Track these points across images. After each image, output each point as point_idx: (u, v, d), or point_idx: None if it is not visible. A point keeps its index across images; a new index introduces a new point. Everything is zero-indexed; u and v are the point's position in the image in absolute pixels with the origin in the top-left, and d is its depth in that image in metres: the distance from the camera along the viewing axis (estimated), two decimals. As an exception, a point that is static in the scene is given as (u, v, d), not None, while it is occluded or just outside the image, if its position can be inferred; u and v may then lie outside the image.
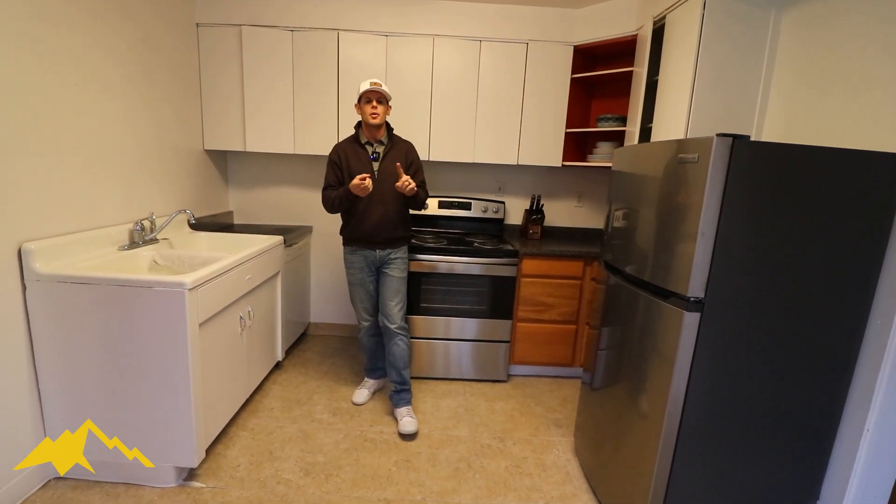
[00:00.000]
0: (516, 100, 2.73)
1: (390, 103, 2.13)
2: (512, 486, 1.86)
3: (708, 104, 1.89)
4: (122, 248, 1.97)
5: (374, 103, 2.04)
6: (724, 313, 1.31)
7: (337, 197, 2.08)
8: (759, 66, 1.87)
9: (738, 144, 1.21)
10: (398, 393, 2.26)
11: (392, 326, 2.20)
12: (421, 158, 2.26)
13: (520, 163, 2.81)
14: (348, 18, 2.62)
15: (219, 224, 2.93)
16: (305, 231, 3.06)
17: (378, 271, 2.24)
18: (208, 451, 1.89)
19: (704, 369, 1.34)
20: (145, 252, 2.05)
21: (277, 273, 2.51)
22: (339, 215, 2.23)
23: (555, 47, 2.67)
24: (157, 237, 2.19)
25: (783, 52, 1.83)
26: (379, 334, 2.36)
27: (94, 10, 1.83)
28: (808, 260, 1.29)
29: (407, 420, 2.14)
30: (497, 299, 2.60)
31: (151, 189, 2.27)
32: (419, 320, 2.61)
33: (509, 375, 2.80)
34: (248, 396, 2.23)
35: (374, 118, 2.04)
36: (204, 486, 1.75)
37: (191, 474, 1.79)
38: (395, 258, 2.21)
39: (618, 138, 2.75)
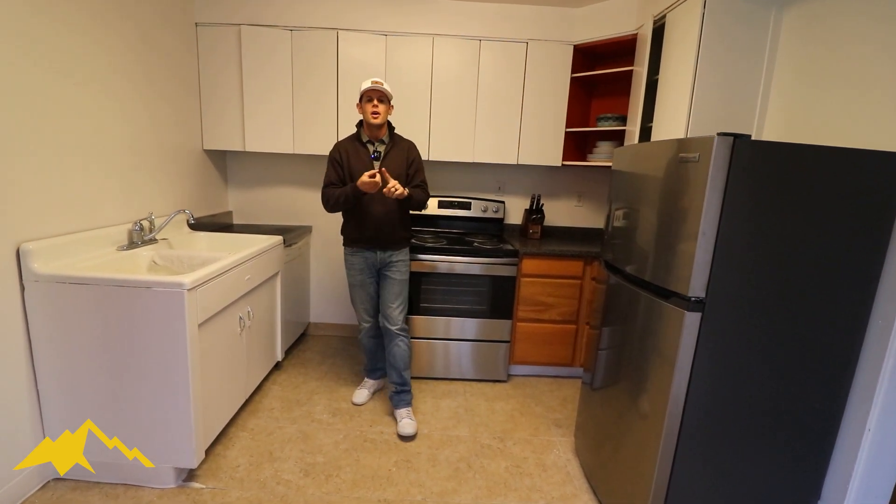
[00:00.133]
0: (516, 99, 2.73)
1: (392, 102, 2.11)
2: (512, 486, 1.85)
3: (708, 103, 1.89)
4: (121, 249, 1.97)
5: (376, 102, 2.03)
6: (725, 313, 1.31)
7: (342, 194, 2.05)
8: (760, 66, 1.87)
9: (739, 143, 1.21)
10: (398, 394, 2.26)
11: (393, 328, 2.19)
12: (421, 158, 2.25)
13: (520, 162, 2.81)
14: (348, 18, 2.62)
15: (218, 224, 2.92)
16: (305, 231, 3.06)
17: (379, 273, 2.23)
18: (208, 451, 1.88)
19: (705, 369, 1.34)
20: (144, 252, 2.04)
21: (277, 273, 2.50)
22: (338, 215, 2.22)
23: (555, 47, 2.67)
24: (157, 237, 2.19)
25: (783, 52, 1.82)
26: (379, 335, 2.35)
27: (92, 9, 1.82)
28: (810, 259, 1.29)
29: (406, 422, 2.14)
30: (497, 299, 2.60)
31: (150, 189, 2.26)
32: (419, 320, 2.61)
33: (509, 375, 2.80)
34: (247, 397, 2.22)
35: (375, 118, 2.03)
36: (203, 486, 1.74)
37: (190, 475, 1.79)
38: (397, 261, 2.20)
39: (618, 138, 2.75)
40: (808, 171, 1.24)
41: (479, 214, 3.03)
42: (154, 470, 1.71)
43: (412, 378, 2.55)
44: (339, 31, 2.62)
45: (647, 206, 1.52)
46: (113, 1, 1.93)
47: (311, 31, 2.62)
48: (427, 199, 2.21)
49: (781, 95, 1.83)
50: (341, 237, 2.25)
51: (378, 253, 2.17)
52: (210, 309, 1.73)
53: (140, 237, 2.08)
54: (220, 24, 2.61)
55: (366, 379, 2.50)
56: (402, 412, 2.21)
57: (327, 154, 2.71)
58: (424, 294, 2.58)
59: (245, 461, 1.90)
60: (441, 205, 3.02)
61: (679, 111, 1.97)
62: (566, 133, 2.78)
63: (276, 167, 3.09)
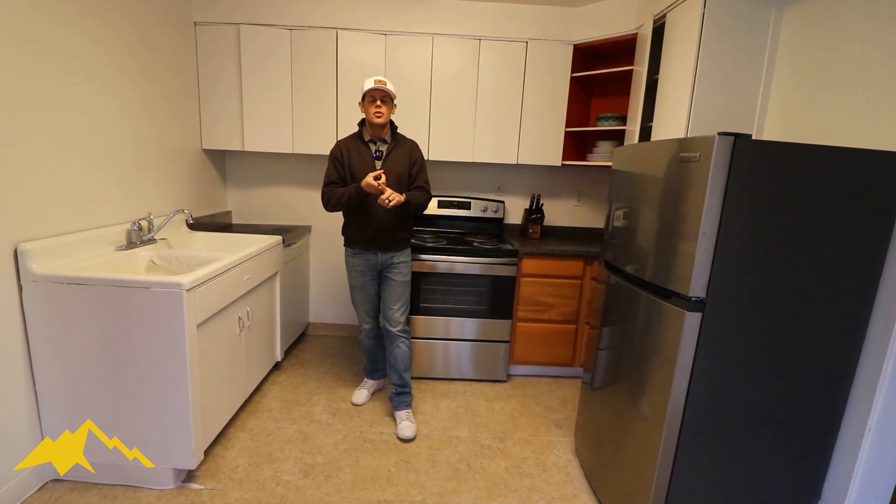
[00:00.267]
0: (516, 99, 2.72)
1: (395, 101, 2.09)
2: (512, 486, 1.85)
3: (708, 103, 1.88)
4: (120, 249, 1.96)
5: (378, 102, 2.00)
6: (725, 313, 1.30)
7: (345, 194, 2.02)
8: (760, 66, 1.87)
9: (740, 143, 1.20)
10: (398, 395, 2.25)
11: (394, 329, 2.18)
12: (424, 158, 2.21)
13: (519, 162, 2.80)
14: (347, 17, 2.61)
15: (217, 224, 2.91)
16: (304, 231, 3.05)
17: (380, 275, 2.21)
18: (207, 452, 1.88)
19: (706, 369, 1.33)
20: (143, 252, 2.04)
21: (276, 273, 2.50)
22: (338, 215, 2.20)
23: (554, 46, 2.67)
24: (155, 237, 2.18)
25: (783, 52, 1.82)
26: (380, 336, 2.34)
27: (91, 8, 1.82)
28: (810, 259, 1.28)
29: (406, 424, 2.13)
30: (497, 299, 2.60)
31: (149, 189, 2.25)
32: (419, 320, 2.60)
33: (509, 375, 2.79)
34: (246, 397, 2.22)
35: (377, 117, 2.01)
36: (202, 487, 1.74)
37: (189, 476, 1.78)
38: (398, 262, 2.17)
39: (618, 137, 2.75)
40: (809, 170, 1.24)
41: (479, 214, 3.03)
42: (153, 471, 1.70)
43: (412, 378, 2.55)
44: (339, 31, 2.62)
45: (648, 206, 1.52)
46: (112, 0, 1.92)
47: (311, 30, 2.61)
48: (428, 201, 2.17)
49: (781, 95, 1.82)
50: (341, 238, 2.23)
51: (379, 254, 2.15)
52: (209, 309, 1.73)
53: (139, 237, 2.07)
54: (219, 23, 2.60)
55: (365, 379, 2.49)
56: (401, 414, 2.20)
57: (327, 153, 2.71)
58: (424, 294, 2.58)
59: (244, 462, 1.89)
60: (441, 204, 3.01)
61: (679, 111, 1.97)
62: (566, 133, 2.78)
63: (276, 167, 3.08)
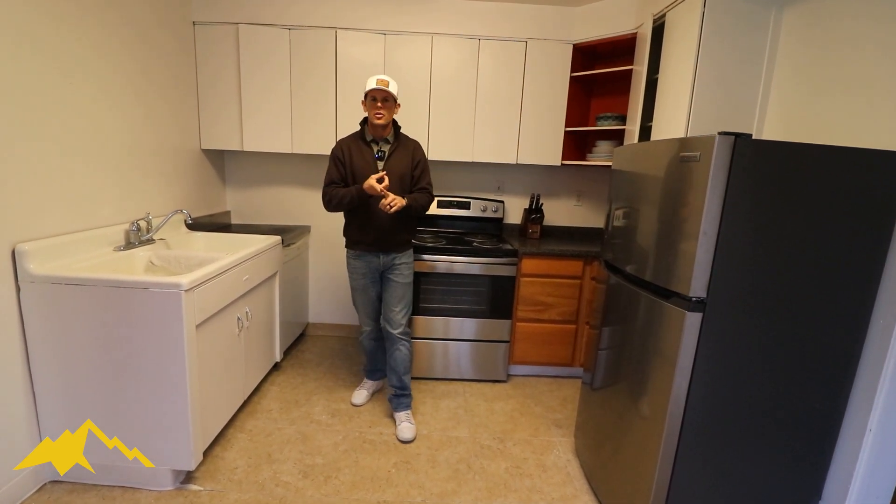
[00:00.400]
0: (515, 98, 2.72)
1: (398, 101, 2.04)
2: (512, 487, 1.84)
3: (708, 103, 1.88)
4: (118, 249, 1.95)
5: (379, 103, 1.97)
6: (726, 313, 1.30)
7: (347, 195, 1.98)
8: (760, 65, 1.86)
9: (741, 143, 1.20)
10: (397, 397, 2.24)
11: (394, 332, 2.15)
12: (427, 159, 2.18)
13: (519, 162, 2.80)
14: (346, 17, 2.61)
15: (216, 224, 2.91)
16: (303, 231, 3.04)
17: (382, 276, 2.18)
18: (206, 453, 1.87)
19: (706, 369, 1.33)
20: (141, 253, 2.03)
21: (275, 273, 2.49)
22: (338, 215, 2.18)
23: (554, 46, 2.66)
24: (154, 237, 2.18)
25: (783, 52, 1.82)
26: (380, 338, 2.33)
27: (89, 8, 1.81)
28: (811, 259, 1.28)
29: (405, 426, 2.13)
30: (496, 299, 2.59)
31: (148, 189, 2.25)
32: (418, 320, 2.60)
33: (509, 375, 2.79)
34: (245, 398, 2.21)
35: (378, 118, 1.97)
36: (201, 489, 1.73)
37: (188, 477, 1.78)
38: (400, 263, 2.15)
39: (617, 137, 2.74)
40: (809, 170, 1.24)
41: (479, 214, 3.03)
42: (152, 472, 1.70)
43: (412, 379, 2.54)
44: (338, 30, 2.61)
45: (648, 206, 1.51)
46: (111, 0, 1.92)
47: (310, 30, 2.61)
48: (430, 203, 2.13)
49: (781, 95, 1.82)
50: (342, 238, 2.21)
51: (381, 256, 2.12)
52: (208, 310, 1.72)
53: (137, 237, 2.06)
54: (218, 22, 2.59)
55: (365, 380, 2.49)
56: (401, 415, 2.19)
57: (326, 153, 2.71)
58: (424, 294, 2.57)
59: (243, 463, 1.89)
60: (440, 204, 3.01)
61: (679, 110, 1.96)
62: (565, 132, 2.77)
63: (275, 167, 3.08)
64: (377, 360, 2.42)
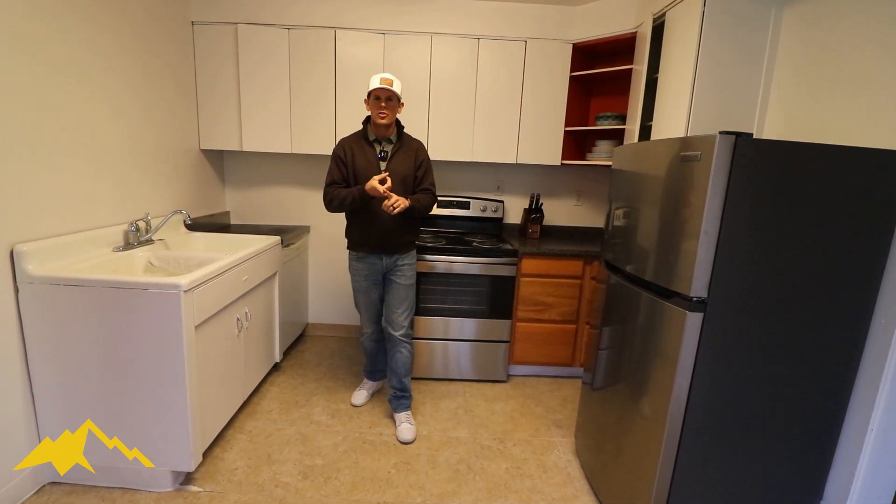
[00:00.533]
0: (515, 98, 2.71)
1: (402, 101, 2.02)
2: (512, 487, 1.84)
3: (708, 102, 1.88)
4: (117, 250, 1.95)
5: (383, 103, 1.94)
6: (727, 313, 1.30)
7: (349, 196, 1.96)
8: (760, 65, 1.86)
9: (742, 142, 1.20)
10: (398, 398, 2.23)
11: (396, 333, 2.13)
12: (430, 159, 2.15)
13: (518, 161, 2.80)
14: (346, 17, 2.60)
15: (215, 224, 2.90)
16: (303, 231, 3.04)
17: (384, 278, 2.16)
18: (205, 454, 1.87)
19: (707, 370, 1.33)
20: (140, 253, 2.02)
21: (275, 274, 2.48)
22: (341, 216, 2.16)
23: (553, 45, 2.66)
24: (153, 238, 2.17)
25: (783, 51, 1.82)
26: (381, 339, 2.31)
27: (86, 8, 1.80)
28: (812, 258, 1.28)
29: (405, 427, 2.12)
30: (496, 299, 2.59)
31: (147, 189, 2.24)
32: (418, 321, 2.59)
33: (509, 375, 2.79)
34: (245, 399, 2.21)
35: (382, 118, 1.95)
36: (201, 490, 1.73)
37: (187, 478, 1.77)
38: (403, 264, 2.12)
39: (617, 137, 2.74)
40: (811, 169, 1.23)
41: (478, 214, 3.02)
42: (151, 473, 1.69)
43: (412, 379, 2.53)
44: (337, 30, 2.61)
45: (648, 206, 1.51)
46: (108, 1, 1.91)
47: (309, 29, 2.60)
48: (433, 204, 2.11)
49: (781, 95, 1.82)
50: (342, 238, 2.21)
51: (384, 258, 2.10)
52: (207, 310, 1.72)
53: (136, 238, 2.06)
54: (217, 22, 2.59)
55: (365, 380, 2.48)
56: (401, 416, 2.19)
57: (325, 153, 2.71)
58: (423, 294, 2.57)
59: (243, 464, 1.88)
60: (440, 204, 3.00)
61: (679, 110, 1.96)
62: (565, 132, 2.77)
63: (274, 167, 3.07)
64: (378, 360, 2.41)
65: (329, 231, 3.14)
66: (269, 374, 2.61)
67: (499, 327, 2.62)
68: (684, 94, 1.92)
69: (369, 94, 1.96)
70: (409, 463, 1.95)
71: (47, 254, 1.62)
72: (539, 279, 2.61)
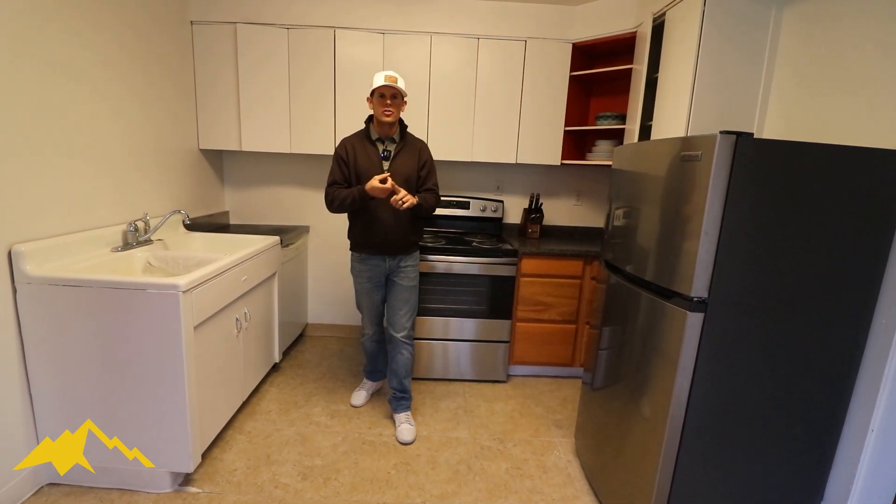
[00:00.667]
0: (515, 98, 2.71)
1: (405, 99, 1.99)
2: (512, 488, 1.84)
3: (708, 102, 1.87)
4: (116, 250, 1.94)
5: (389, 100, 1.91)
6: (727, 313, 1.29)
7: (349, 196, 1.94)
8: (760, 64, 1.86)
9: (742, 142, 1.19)
10: (397, 399, 2.22)
11: (398, 335, 2.12)
12: (433, 159, 2.13)
13: (518, 161, 2.79)
14: (345, 16, 2.60)
15: (214, 224, 2.90)
16: (302, 231, 3.03)
17: (387, 279, 2.14)
18: (204, 455, 1.86)
19: (708, 370, 1.32)
20: (139, 253, 2.02)
21: (274, 274, 2.48)
22: (345, 217, 2.13)
23: (553, 45, 2.66)
24: (152, 238, 2.16)
25: (783, 51, 1.81)
26: (382, 340, 2.30)
27: (85, 7, 1.80)
28: (813, 258, 1.27)
29: (405, 427, 2.11)
30: (496, 299, 2.58)
31: (145, 189, 2.23)
32: (418, 321, 2.58)
33: (509, 376, 2.78)
34: (244, 399, 2.20)
35: (387, 115, 1.92)
36: (200, 491, 1.72)
37: (186, 479, 1.77)
38: (406, 266, 2.10)
39: (617, 136, 2.74)
40: (811, 169, 1.23)
41: (478, 214, 3.02)
42: (150, 474, 1.69)
43: (412, 379, 2.53)
44: (337, 30, 2.60)
45: (649, 205, 1.51)
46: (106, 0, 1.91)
47: (309, 29, 2.60)
48: (437, 204, 2.09)
49: (781, 95, 1.81)
50: (341, 239, 2.20)
51: (387, 260, 2.08)
52: (206, 311, 1.71)
53: (135, 238, 2.05)
54: (216, 22, 2.58)
55: (365, 380, 2.47)
56: (400, 416, 2.18)
57: (325, 153, 2.71)
58: (423, 294, 2.56)
59: (242, 465, 1.88)
60: (439, 204, 2.99)
61: (679, 110, 1.95)
62: (565, 132, 2.76)
63: (273, 167, 3.07)
64: (378, 361, 2.40)
65: (328, 231, 3.13)
66: (269, 374, 2.61)
67: (498, 327, 2.62)
68: (684, 93, 1.91)
69: (373, 91, 1.94)
70: (409, 463, 1.95)
71: (45, 254, 1.61)
72: (539, 279, 2.61)
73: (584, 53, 2.78)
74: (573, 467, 1.98)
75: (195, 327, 1.63)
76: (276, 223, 3.12)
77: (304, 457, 1.95)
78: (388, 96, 1.91)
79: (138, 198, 2.18)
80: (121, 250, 1.95)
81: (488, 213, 3.02)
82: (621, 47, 2.60)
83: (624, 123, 2.57)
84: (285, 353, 2.90)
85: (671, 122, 2.03)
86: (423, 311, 2.58)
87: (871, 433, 1.35)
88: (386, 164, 2.01)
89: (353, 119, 2.64)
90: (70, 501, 1.63)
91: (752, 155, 1.21)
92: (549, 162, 2.80)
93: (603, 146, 2.74)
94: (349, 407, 2.35)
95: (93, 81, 1.86)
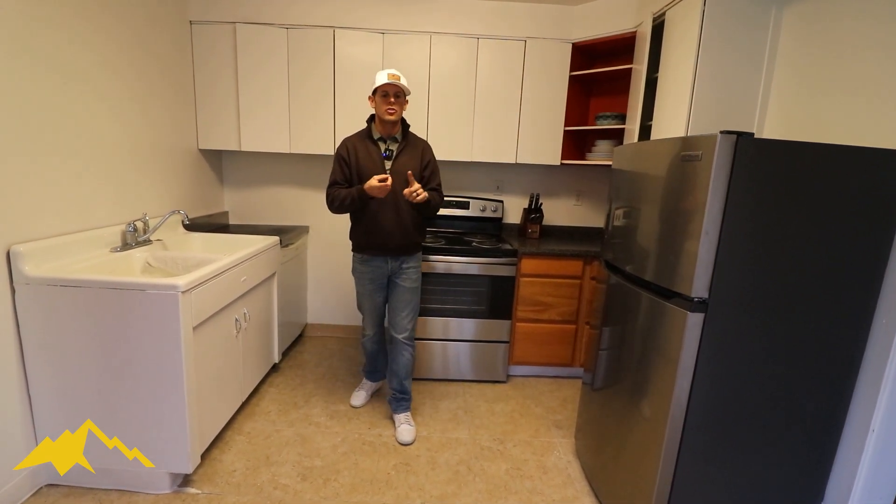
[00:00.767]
0: (514, 98, 2.71)
1: (408, 97, 1.98)
2: (512, 489, 1.83)
3: (708, 102, 1.87)
4: (115, 250, 1.94)
5: (392, 98, 1.89)
6: (728, 313, 1.29)
7: (348, 196, 1.92)
8: (760, 65, 1.86)
9: (743, 142, 1.19)
10: (397, 400, 2.22)
11: (399, 336, 2.11)
12: (436, 159, 2.12)
13: (518, 161, 2.79)
14: (345, 16, 2.59)
15: (214, 225, 2.89)
16: (302, 231, 3.03)
17: (389, 280, 2.12)
18: (203, 456, 1.86)
19: (708, 370, 1.32)
20: (138, 254, 2.01)
21: (273, 274, 2.47)
22: (345, 217, 2.12)
23: (553, 45, 2.65)
24: (151, 238, 2.16)
25: (783, 51, 1.81)
26: (383, 341, 2.30)
27: (84, 7, 1.79)
28: (813, 258, 1.27)
29: (405, 428, 2.11)
30: (496, 299, 2.58)
31: (144, 189, 2.23)
32: (418, 321, 2.58)
33: (508, 376, 2.78)
34: (244, 400, 2.20)
35: (390, 114, 1.90)
36: (199, 492, 1.72)
37: (186, 480, 1.76)
38: (409, 267, 2.08)
39: (617, 136, 2.74)
40: (812, 169, 1.23)
41: (478, 214, 3.01)
42: (149, 475, 1.68)
43: (412, 380, 2.52)
44: (336, 30, 2.60)
45: (649, 205, 1.50)
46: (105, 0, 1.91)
47: (308, 29, 2.59)
48: (441, 204, 2.07)
49: (781, 94, 1.81)
50: (341, 239, 2.20)
51: (389, 261, 2.06)
52: (205, 311, 1.71)
53: (134, 238, 2.05)
54: (216, 21, 2.58)
55: (364, 380, 2.47)
56: (400, 417, 2.18)
57: (324, 153, 2.71)
58: (423, 294, 2.54)
59: (241, 465, 1.87)
60: (439, 204, 2.99)
61: (679, 109, 1.95)
62: (565, 132, 2.76)
63: (273, 167, 3.06)
64: (378, 361, 2.40)
65: (328, 231, 3.13)
66: (268, 374, 2.61)
67: (498, 327, 2.62)
68: (684, 93, 1.91)
69: (375, 90, 1.92)
70: (409, 464, 1.94)
71: (44, 254, 1.61)
72: (539, 279, 2.60)
73: (584, 53, 2.78)
74: (573, 468, 1.98)
75: (194, 328, 1.63)
76: (275, 223, 3.11)
77: (304, 457, 1.94)
78: (392, 94, 1.90)
79: (137, 198, 2.17)
80: (120, 251, 1.95)
81: (488, 213, 3.01)
82: (621, 47, 2.60)
83: (624, 123, 2.57)
84: (285, 354, 2.90)
85: (671, 122, 2.02)
86: (422, 312, 2.58)
87: (871, 433, 1.35)
88: (388, 164, 1.99)
89: (352, 119, 2.64)
90: (69, 502, 1.63)
91: (752, 155, 1.20)
92: (548, 162, 2.80)
93: (603, 146, 2.74)
94: (349, 407, 2.35)
95: (92, 81, 1.86)
